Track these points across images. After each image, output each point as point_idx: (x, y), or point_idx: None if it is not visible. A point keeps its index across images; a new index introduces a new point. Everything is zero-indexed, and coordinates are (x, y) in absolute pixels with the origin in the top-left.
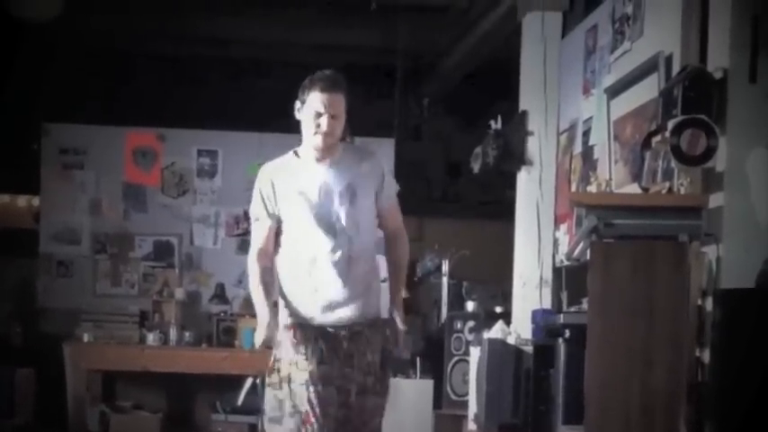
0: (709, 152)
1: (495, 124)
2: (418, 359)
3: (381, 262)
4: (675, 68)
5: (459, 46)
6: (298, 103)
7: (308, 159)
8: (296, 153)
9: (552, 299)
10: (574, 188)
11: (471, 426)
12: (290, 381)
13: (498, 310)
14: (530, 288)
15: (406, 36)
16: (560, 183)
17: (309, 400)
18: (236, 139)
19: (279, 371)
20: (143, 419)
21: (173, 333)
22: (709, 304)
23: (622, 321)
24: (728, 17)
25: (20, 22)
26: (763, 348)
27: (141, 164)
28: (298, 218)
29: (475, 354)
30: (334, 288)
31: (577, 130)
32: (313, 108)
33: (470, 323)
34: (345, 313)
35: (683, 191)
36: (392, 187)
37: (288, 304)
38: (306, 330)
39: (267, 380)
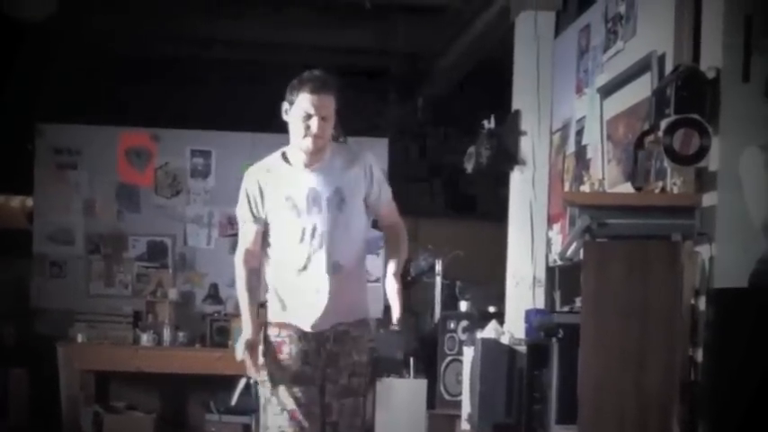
0: (702, 151)
1: (489, 124)
2: (412, 359)
3: (371, 262)
4: (668, 68)
5: (454, 46)
6: (285, 105)
7: (296, 163)
8: (284, 155)
9: (545, 298)
10: (567, 188)
11: (465, 425)
12: (275, 380)
13: (492, 309)
14: (523, 288)
15: (400, 36)
16: (553, 182)
17: (295, 401)
18: (230, 140)
19: (264, 370)
20: (137, 420)
21: (166, 333)
22: (702, 304)
23: (616, 321)
24: (721, 17)
25: (14, 22)
26: (757, 348)
27: (135, 164)
28: (284, 223)
29: (468, 353)
30: (321, 294)
31: (570, 129)
32: (302, 110)
33: (464, 323)
34: (332, 319)
35: (676, 190)
36: (385, 186)
37: (274, 305)
38: (291, 330)
39: (243, 380)
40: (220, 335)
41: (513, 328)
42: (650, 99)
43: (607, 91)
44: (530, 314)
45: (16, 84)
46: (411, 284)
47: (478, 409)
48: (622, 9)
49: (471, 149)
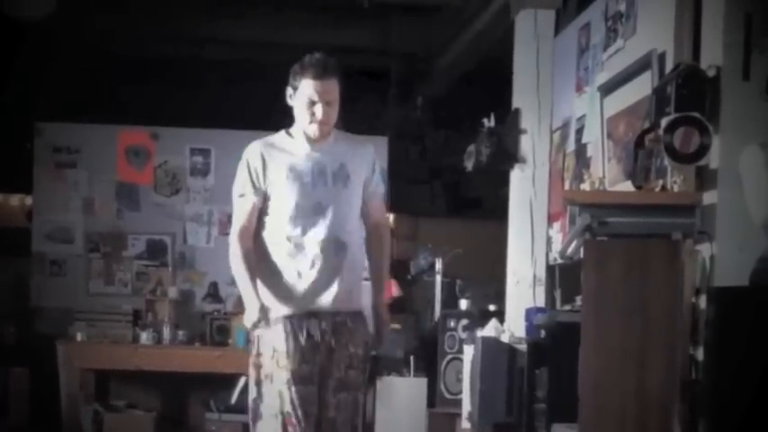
0: (703, 150)
1: (489, 122)
2: (412, 358)
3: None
4: (669, 66)
5: (453, 45)
6: (289, 89)
7: (302, 139)
8: (288, 133)
9: (546, 297)
10: (567, 186)
11: (465, 424)
12: (271, 379)
13: (492, 308)
14: (523, 286)
15: (399, 36)
16: (553, 181)
17: (292, 401)
18: (229, 138)
19: (261, 367)
20: (137, 418)
21: (166, 332)
22: (702, 302)
23: (616, 320)
24: (721, 15)
25: (13, 21)
26: (758, 347)
27: (134, 162)
28: (286, 196)
29: (468, 352)
30: (319, 272)
31: (570, 127)
32: (306, 96)
33: (464, 321)
34: (329, 299)
35: (676, 189)
36: (380, 181)
37: (267, 294)
38: (287, 324)
39: (242, 378)
40: (220, 333)
41: (513, 327)
42: (650, 97)
43: (607, 89)
44: (530, 313)
45: (15, 82)
46: (411, 283)
47: (479, 408)
48: (622, 7)
49: (471, 148)
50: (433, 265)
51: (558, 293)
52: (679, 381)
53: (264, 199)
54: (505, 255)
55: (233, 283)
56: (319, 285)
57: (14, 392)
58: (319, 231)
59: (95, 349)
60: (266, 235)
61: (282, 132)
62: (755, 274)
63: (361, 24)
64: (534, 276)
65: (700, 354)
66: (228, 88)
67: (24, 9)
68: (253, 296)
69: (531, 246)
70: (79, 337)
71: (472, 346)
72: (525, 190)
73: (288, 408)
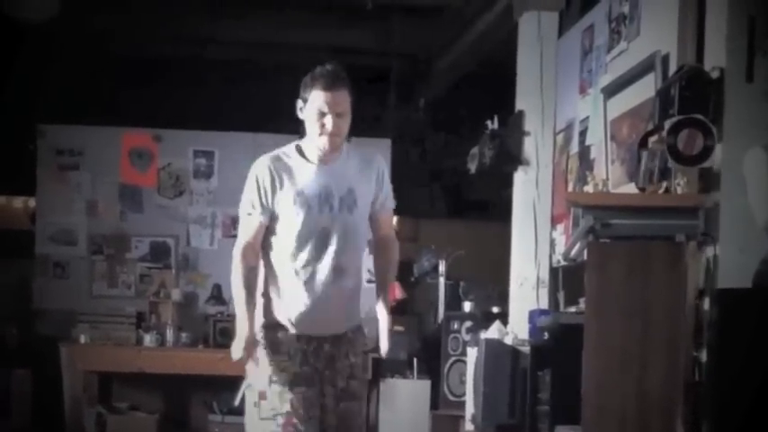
0: (706, 152)
1: (492, 124)
2: (415, 360)
3: (370, 260)
4: (672, 68)
5: (455, 46)
6: (300, 102)
7: (311, 157)
8: (298, 149)
9: (549, 299)
10: (570, 188)
11: (468, 426)
12: (270, 382)
13: (495, 310)
14: (526, 288)
15: (401, 37)
16: (557, 183)
17: (292, 403)
18: (233, 140)
19: (259, 371)
20: (140, 420)
21: (169, 334)
22: (705, 304)
23: (619, 321)
24: (725, 17)
25: (16, 23)
26: (761, 348)
27: (137, 165)
28: (292, 219)
29: (472, 354)
30: (320, 299)
31: (574, 129)
32: (316, 108)
33: (467, 323)
34: (330, 327)
35: (679, 191)
36: (390, 195)
37: (269, 307)
38: (286, 332)
39: (246, 381)
40: (223, 336)
41: (516, 329)
42: (654, 99)
43: (611, 91)
44: (533, 315)
45: (18, 84)
46: (414, 285)
47: (482, 410)
48: (626, 9)
49: (474, 150)
50: (436, 267)
51: (561, 295)
52: (682, 382)
53: (271, 218)
54: (509, 257)
55: None
56: (318, 312)
57: (17, 394)
58: (323, 258)
59: (98, 351)
60: (273, 254)
61: (292, 146)
62: (758, 276)
63: (362, 25)
64: (538, 278)
65: (702, 355)
66: (231, 90)
67: (27, 11)
68: (244, 325)
69: (534, 248)
70: (82, 339)
71: (475, 349)
72: (528, 192)
73: (285, 410)
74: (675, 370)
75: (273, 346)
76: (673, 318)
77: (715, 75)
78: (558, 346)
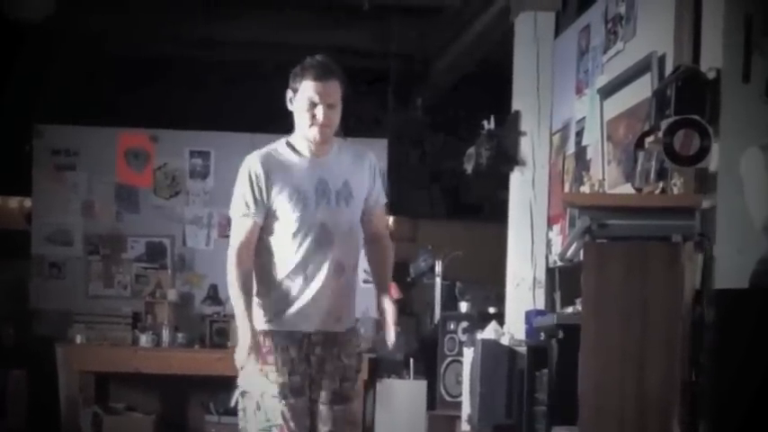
0: (703, 152)
1: (488, 125)
2: (412, 360)
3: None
4: (668, 68)
5: (453, 47)
6: (290, 92)
7: (303, 151)
8: (289, 144)
9: (545, 299)
10: (567, 189)
11: (465, 426)
12: (261, 394)
13: (492, 310)
14: (523, 289)
15: (398, 37)
16: (553, 183)
17: (283, 414)
18: (229, 140)
19: (249, 381)
20: (136, 421)
21: (165, 334)
22: (702, 305)
23: (616, 322)
24: (721, 17)
25: (12, 23)
26: (758, 349)
27: (133, 165)
28: (288, 216)
29: (468, 354)
30: (317, 296)
31: (570, 130)
32: (306, 98)
33: (464, 324)
34: (323, 321)
35: (676, 191)
36: (382, 192)
37: (260, 310)
38: (277, 338)
39: (237, 391)
40: (220, 336)
41: (513, 329)
42: (650, 100)
43: (607, 92)
44: (530, 315)
45: (14, 84)
46: (411, 286)
47: (478, 411)
48: (622, 9)
49: (471, 150)
50: (432, 268)
51: (557, 296)
52: (679, 383)
53: (267, 216)
54: (505, 257)
55: None
56: (315, 308)
57: (13, 395)
58: (320, 253)
59: (95, 352)
60: (266, 254)
61: (283, 142)
62: (755, 276)
63: (360, 26)
64: (534, 279)
65: (700, 356)
66: (228, 90)
67: (24, 11)
68: (246, 328)
69: (530, 248)
70: (78, 339)
71: (472, 349)
72: (525, 192)
73: (279, 420)
74: (672, 370)
75: (261, 356)
76: (670, 318)
77: (711, 75)
78: (557, 346)
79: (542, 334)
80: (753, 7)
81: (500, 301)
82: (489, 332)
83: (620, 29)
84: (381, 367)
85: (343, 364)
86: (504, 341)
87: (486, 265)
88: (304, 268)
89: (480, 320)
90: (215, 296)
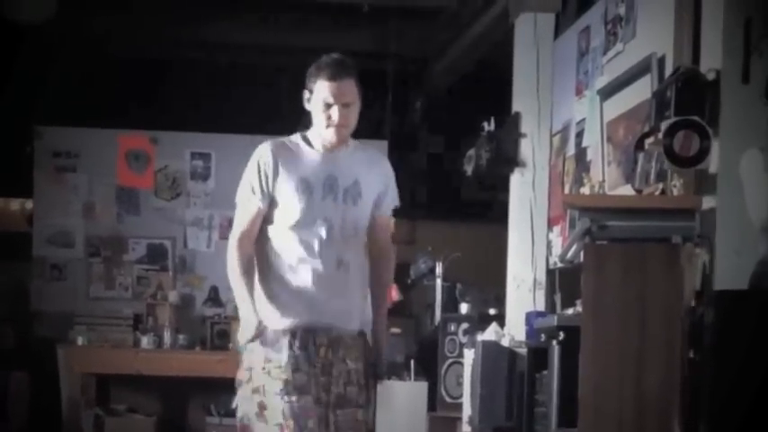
0: (703, 154)
1: (488, 126)
2: (412, 362)
3: None
4: (668, 70)
5: (452, 48)
6: (306, 93)
7: (317, 146)
8: (304, 137)
9: (546, 301)
10: (567, 190)
11: (465, 428)
12: (263, 391)
13: (492, 312)
14: (523, 290)
15: (398, 39)
16: (553, 185)
17: (284, 412)
18: (230, 142)
19: (251, 381)
20: (137, 422)
21: (167, 336)
22: (702, 306)
23: (616, 323)
24: (721, 18)
25: (13, 25)
26: (758, 350)
27: (134, 167)
28: (293, 207)
29: (469, 356)
30: (321, 291)
31: (570, 131)
32: (322, 98)
33: (464, 325)
34: (328, 317)
35: (676, 192)
36: (394, 199)
37: (262, 304)
38: (280, 335)
39: (239, 391)
40: (221, 338)
41: (513, 331)
42: (650, 101)
43: (607, 93)
44: (530, 317)
45: (15, 86)
46: (411, 287)
47: (479, 412)
48: (622, 11)
49: (471, 152)
50: (433, 270)
51: (558, 297)
52: (679, 384)
53: (270, 205)
54: (506, 259)
55: None
56: (319, 302)
57: (15, 396)
58: (323, 248)
59: (96, 353)
60: (268, 245)
61: (297, 135)
62: (755, 278)
63: (359, 28)
64: (534, 280)
65: (699, 357)
66: (229, 92)
67: (24, 13)
68: (250, 309)
69: (531, 250)
70: (80, 341)
71: (472, 350)
72: (525, 194)
73: (280, 419)
74: (672, 372)
75: (264, 352)
76: (669, 319)
77: (711, 76)
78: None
79: (543, 335)
80: (752, 9)
81: (500, 302)
82: (490, 334)
83: (619, 30)
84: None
85: (348, 369)
86: (505, 343)
87: (487, 267)
88: (307, 263)
89: (481, 322)
90: (216, 298)
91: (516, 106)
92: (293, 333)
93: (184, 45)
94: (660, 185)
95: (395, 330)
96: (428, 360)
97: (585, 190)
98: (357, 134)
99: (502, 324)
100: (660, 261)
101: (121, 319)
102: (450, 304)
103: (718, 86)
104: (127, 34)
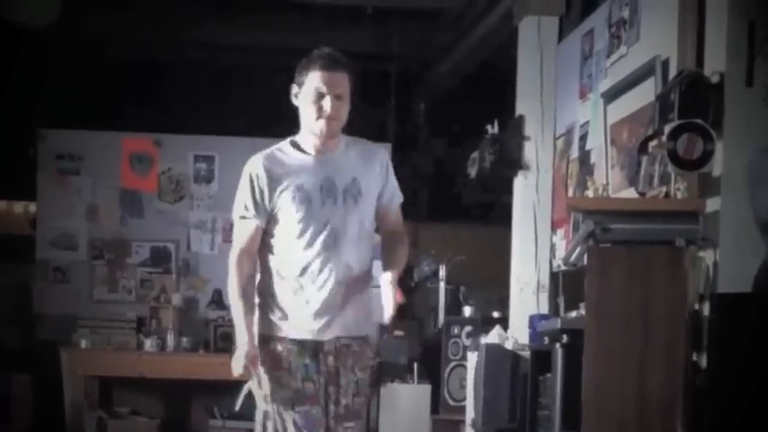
0: (706, 156)
1: (492, 129)
2: (415, 364)
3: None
4: (672, 73)
5: (455, 50)
6: (295, 87)
7: (308, 149)
8: (293, 143)
9: (549, 304)
10: (570, 193)
11: (469, 431)
12: (272, 399)
13: (495, 315)
14: (527, 293)
15: (400, 40)
16: (557, 187)
17: (294, 422)
18: (233, 145)
19: (260, 388)
20: (140, 425)
21: (170, 339)
22: (705, 309)
23: (619, 326)
24: (725, 22)
25: (15, 27)
26: (761, 352)
27: (138, 169)
28: (293, 217)
29: (472, 359)
30: (326, 299)
31: (574, 134)
32: (314, 89)
33: (467, 328)
34: (335, 330)
35: (679, 195)
36: (398, 189)
37: (270, 315)
38: (288, 344)
39: (246, 385)
40: (224, 340)
41: (517, 334)
42: (654, 104)
43: (611, 96)
44: (534, 319)
45: (18, 89)
46: (414, 290)
47: (482, 415)
48: (626, 14)
49: (475, 155)
50: (436, 272)
51: (561, 300)
52: (682, 386)
53: (269, 220)
54: (509, 261)
55: None
56: (326, 312)
57: (18, 399)
58: (328, 255)
59: (99, 356)
60: (272, 258)
61: (287, 142)
62: (758, 280)
63: (362, 29)
64: (538, 283)
65: (702, 360)
66: (232, 94)
67: (28, 15)
68: (244, 336)
69: (534, 252)
70: (83, 343)
71: (476, 353)
72: (529, 197)
73: (291, 428)
74: (675, 374)
75: (272, 361)
76: (673, 322)
77: (715, 79)
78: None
79: (546, 338)
80: (756, 12)
81: (504, 305)
82: (493, 336)
83: (623, 33)
84: (385, 372)
85: (357, 378)
86: (508, 345)
87: (490, 270)
88: (311, 271)
89: (484, 325)
90: (219, 301)
91: (520, 109)
92: (301, 343)
93: (188, 47)
94: (664, 188)
95: (398, 333)
96: (431, 363)
97: (589, 193)
98: (360, 136)
99: (505, 327)
100: (664, 264)
101: (125, 321)
102: (454, 307)
103: (721, 89)
104: (130, 37)
